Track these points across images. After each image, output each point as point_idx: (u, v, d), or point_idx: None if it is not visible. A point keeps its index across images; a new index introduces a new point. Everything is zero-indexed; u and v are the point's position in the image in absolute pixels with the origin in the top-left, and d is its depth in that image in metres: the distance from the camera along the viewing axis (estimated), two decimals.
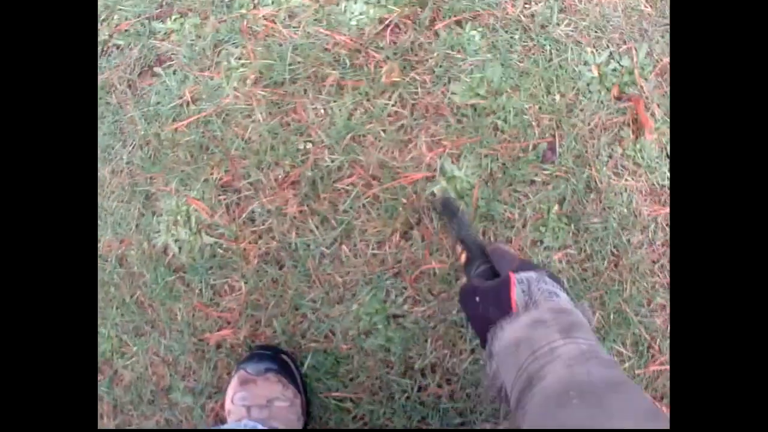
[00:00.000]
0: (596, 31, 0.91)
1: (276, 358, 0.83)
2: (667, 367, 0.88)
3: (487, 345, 0.53)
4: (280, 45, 0.89)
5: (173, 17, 0.96)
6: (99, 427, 0.93)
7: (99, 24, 1.00)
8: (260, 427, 0.75)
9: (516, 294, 0.52)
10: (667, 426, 0.38)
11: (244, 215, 0.87)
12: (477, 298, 0.55)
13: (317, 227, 0.85)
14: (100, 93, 0.97)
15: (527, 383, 0.46)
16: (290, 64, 0.88)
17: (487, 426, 0.84)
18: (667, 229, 0.89)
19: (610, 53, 0.91)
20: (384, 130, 0.85)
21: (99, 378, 0.93)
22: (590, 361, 0.45)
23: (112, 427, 0.92)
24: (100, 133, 0.96)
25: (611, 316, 0.86)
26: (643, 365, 0.87)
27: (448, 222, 0.75)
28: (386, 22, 0.88)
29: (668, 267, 0.89)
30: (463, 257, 0.66)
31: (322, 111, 0.86)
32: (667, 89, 0.91)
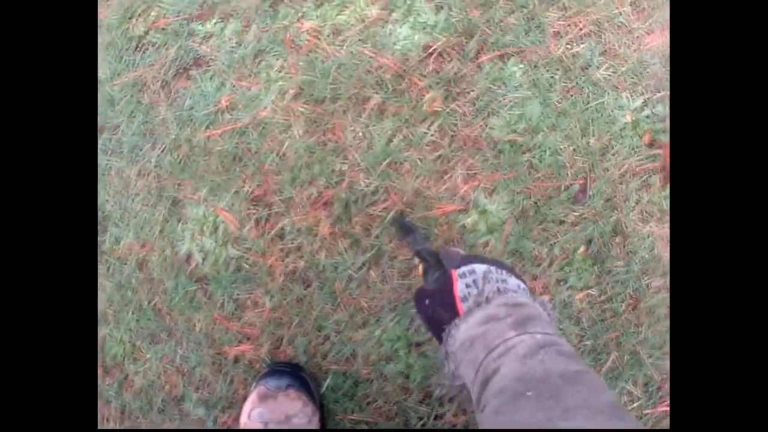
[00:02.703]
0: (633, 77, 0.94)
1: (297, 375, 0.84)
2: None
3: (442, 345, 0.53)
4: (323, 62, 0.90)
5: (214, 20, 0.96)
6: None
7: (134, 18, 1.00)
8: None
9: (459, 289, 0.52)
10: (625, 422, 0.38)
11: (273, 231, 0.88)
12: (427, 301, 0.56)
13: (347, 250, 0.86)
14: (131, 90, 0.97)
15: (485, 382, 0.46)
16: (332, 83, 0.89)
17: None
18: None
19: (645, 100, 0.94)
20: (421, 159, 0.87)
21: (108, 381, 0.93)
22: (547, 352, 0.44)
23: None
24: (129, 132, 0.96)
25: (626, 357, 0.90)
26: (651, 406, 0.91)
27: (403, 239, 0.77)
28: (431, 50, 0.90)
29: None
30: (420, 268, 0.67)
31: (361, 134, 0.88)
32: None
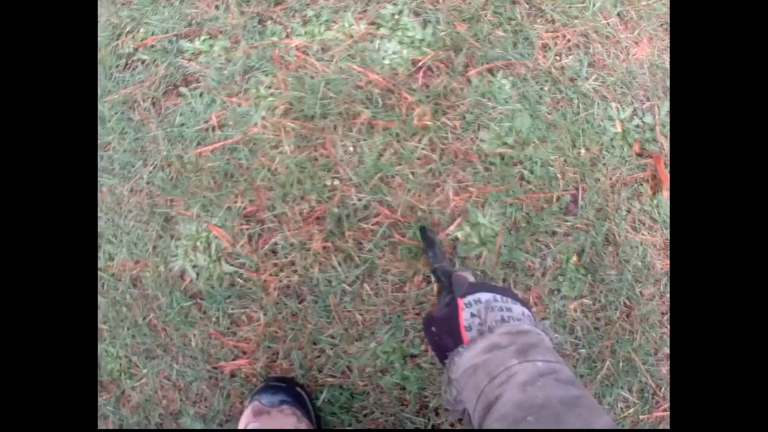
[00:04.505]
0: (622, 87, 0.97)
1: (291, 391, 0.88)
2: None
3: (445, 371, 0.56)
4: (312, 78, 0.94)
5: (202, 38, 1.00)
6: None
7: (123, 36, 1.03)
8: None
9: (464, 318, 0.56)
10: None
11: (266, 247, 0.91)
12: (433, 328, 0.60)
13: (340, 264, 0.90)
14: (122, 108, 1.00)
15: (486, 408, 0.49)
16: (322, 99, 0.92)
17: None
18: None
19: (634, 109, 0.98)
20: (413, 173, 0.90)
21: (105, 396, 0.96)
22: (546, 380, 0.47)
23: None
24: (120, 150, 0.99)
25: (620, 364, 0.94)
26: (647, 411, 0.95)
27: (425, 251, 0.81)
28: (419, 64, 0.94)
29: None
30: (436, 287, 0.71)
31: (352, 149, 0.91)
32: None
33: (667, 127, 0.99)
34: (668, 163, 0.98)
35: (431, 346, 0.62)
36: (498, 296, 0.58)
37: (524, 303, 0.60)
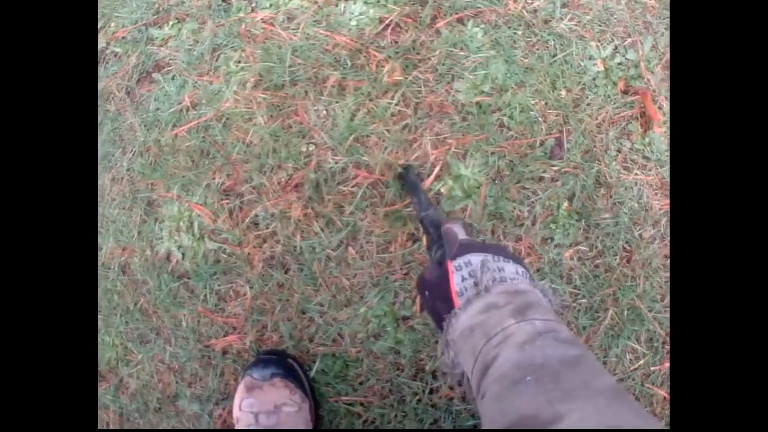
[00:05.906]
0: (600, 25, 0.95)
1: (282, 363, 0.87)
2: None
3: (443, 334, 0.55)
4: (279, 47, 0.94)
5: (171, 23, 1.01)
6: None
7: (96, 33, 1.05)
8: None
9: (455, 282, 0.54)
10: (625, 404, 0.40)
11: (247, 219, 0.91)
12: (426, 293, 0.58)
13: (322, 230, 0.89)
14: (99, 101, 1.02)
15: (484, 370, 0.47)
16: (290, 66, 0.92)
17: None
18: None
19: (615, 47, 0.95)
20: (388, 130, 0.89)
21: (104, 386, 0.97)
22: (545, 339, 0.46)
23: None
24: (99, 141, 1.00)
25: (625, 313, 0.90)
26: (658, 362, 0.91)
27: (410, 197, 0.77)
28: (386, 22, 0.93)
29: None
30: (425, 239, 0.67)
31: (324, 112, 0.91)
32: None
33: (653, 62, 0.96)
34: (656, 98, 0.94)
35: (426, 310, 0.60)
36: (489, 256, 0.56)
37: (519, 260, 0.57)
